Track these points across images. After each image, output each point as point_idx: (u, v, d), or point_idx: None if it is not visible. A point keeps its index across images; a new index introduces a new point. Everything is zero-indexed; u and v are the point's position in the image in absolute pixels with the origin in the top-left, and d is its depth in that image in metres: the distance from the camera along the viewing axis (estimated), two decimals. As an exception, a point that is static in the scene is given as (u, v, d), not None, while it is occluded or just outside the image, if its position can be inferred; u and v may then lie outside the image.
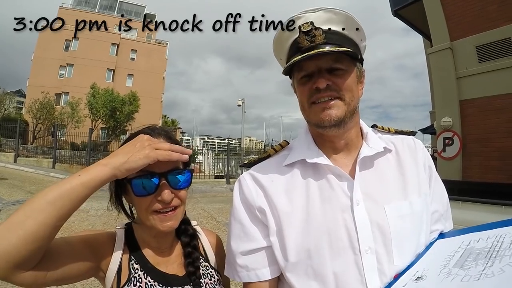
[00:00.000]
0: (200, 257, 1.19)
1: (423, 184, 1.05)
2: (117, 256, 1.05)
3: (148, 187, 0.98)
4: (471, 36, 9.01)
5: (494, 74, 8.53)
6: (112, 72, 38.64)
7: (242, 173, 1.19)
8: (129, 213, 1.13)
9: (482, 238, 0.90)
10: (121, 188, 1.09)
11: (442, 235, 1.04)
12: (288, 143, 1.19)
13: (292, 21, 0.99)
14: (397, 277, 0.90)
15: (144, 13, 43.61)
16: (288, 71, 1.07)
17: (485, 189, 6.13)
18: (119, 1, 42.55)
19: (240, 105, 31.38)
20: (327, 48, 0.95)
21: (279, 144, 1.19)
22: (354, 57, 1.00)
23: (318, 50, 0.94)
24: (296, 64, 0.98)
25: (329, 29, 0.97)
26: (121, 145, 1.02)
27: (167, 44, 44.92)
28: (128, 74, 39.84)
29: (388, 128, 1.22)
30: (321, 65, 0.97)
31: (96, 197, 1.03)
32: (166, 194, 1.00)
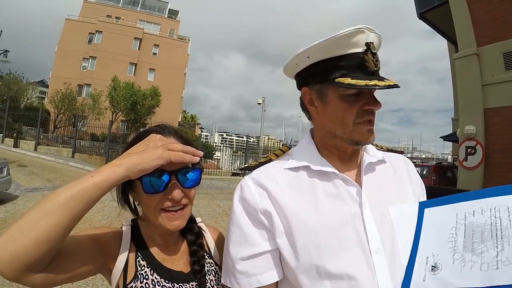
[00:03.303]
0: (205, 254, 1.19)
1: (417, 191, 1.12)
2: (124, 253, 1.04)
3: (158, 185, 0.97)
4: (498, 43, 8.77)
5: (521, 83, 8.25)
6: (134, 66, 38.92)
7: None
8: (135, 210, 1.14)
9: (476, 211, 0.88)
10: (128, 185, 1.05)
11: (425, 203, 1.03)
12: (289, 149, 1.18)
13: (357, 32, 0.93)
14: (408, 268, 0.90)
15: (167, 8, 44.28)
16: (317, 78, 1.01)
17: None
18: None
19: (260, 103, 31.41)
20: (382, 79, 0.95)
21: (280, 150, 1.18)
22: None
23: (389, 83, 0.92)
24: (340, 82, 0.94)
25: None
26: (130, 143, 1.03)
27: (189, 40, 45.01)
28: (149, 68, 40.04)
29: (381, 146, 1.27)
30: (372, 90, 0.99)
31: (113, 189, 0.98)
32: (176, 192, 0.99)
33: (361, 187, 1.01)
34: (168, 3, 44.63)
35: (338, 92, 0.98)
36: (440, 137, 17.78)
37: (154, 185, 0.96)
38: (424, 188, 1.18)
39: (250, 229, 1.00)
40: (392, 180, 1.10)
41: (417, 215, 1.00)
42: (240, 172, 22.38)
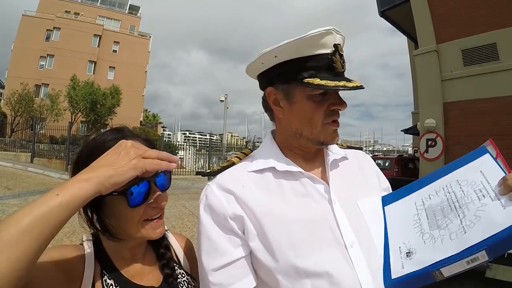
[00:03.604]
0: (175, 264, 1.11)
1: (383, 183, 1.20)
2: (88, 274, 0.93)
3: (141, 195, 0.89)
4: (457, 40, 9.25)
5: (478, 78, 8.80)
6: (93, 64, 37.54)
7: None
8: (101, 227, 0.97)
9: (431, 194, 0.99)
10: (95, 204, 0.91)
11: (384, 201, 1.10)
12: (252, 151, 1.18)
13: (326, 34, 0.94)
14: (385, 262, 0.94)
15: (128, 4, 43.04)
16: (284, 78, 1.01)
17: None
18: None
19: (223, 100, 31.32)
20: (353, 80, 0.98)
21: (242, 153, 1.18)
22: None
23: (356, 84, 0.96)
24: (309, 83, 0.96)
25: None
26: (86, 154, 0.92)
27: (150, 36, 44.03)
28: (110, 66, 38.82)
29: (342, 143, 1.28)
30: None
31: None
32: (161, 199, 0.95)
33: (328, 184, 1.02)
34: None
35: (306, 92, 0.98)
36: (401, 131, 18.37)
37: (138, 197, 0.88)
38: (389, 187, 1.23)
39: (219, 238, 0.96)
40: (357, 175, 1.13)
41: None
42: (205, 171, 22.19)
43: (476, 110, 8.78)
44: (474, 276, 5.00)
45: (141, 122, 39.24)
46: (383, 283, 0.91)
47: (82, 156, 0.94)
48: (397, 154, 22.87)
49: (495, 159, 0.95)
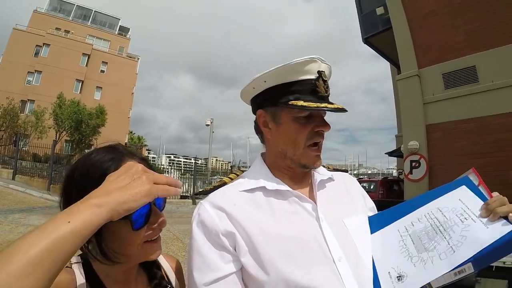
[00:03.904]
0: (167, 284, 1.08)
1: (367, 203, 1.26)
2: None
3: (143, 217, 0.85)
4: (438, 64, 9.61)
5: (459, 100, 9.08)
6: (80, 83, 37.13)
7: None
8: (98, 252, 0.87)
9: (413, 222, 1.05)
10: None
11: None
12: (242, 172, 1.23)
13: (310, 61, 1.03)
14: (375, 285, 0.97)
15: (119, 25, 43.05)
16: (271, 101, 1.08)
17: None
18: (94, 11, 41.46)
19: (209, 125, 31.27)
20: (332, 103, 1.06)
21: (234, 173, 1.24)
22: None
23: (338, 106, 1.05)
24: (293, 105, 1.03)
25: None
26: (79, 170, 0.88)
27: (138, 58, 44.06)
28: (97, 86, 38.47)
29: (328, 166, 1.36)
30: (321, 112, 1.07)
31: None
32: (162, 219, 0.92)
33: (315, 203, 1.07)
34: (119, 19, 43.38)
35: (291, 114, 1.05)
36: (385, 153, 18.64)
37: (140, 219, 0.85)
38: (374, 206, 1.29)
39: (211, 253, 0.98)
40: (343, 196, 1.18)
41: (368, 227, 1.12)
42: (189, 195, 21.96)
43: (458, 130, 9.03)
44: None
45: (126, 144, 38.24)
46: None
47: (76, 176, 0.88)
48: (382, 177, 23.11)
49: (476, 187, 1.02)
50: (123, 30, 44.17)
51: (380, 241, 1.07)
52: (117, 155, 0.92)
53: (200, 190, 1.18)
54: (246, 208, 1.03)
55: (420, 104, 9.88)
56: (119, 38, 42.94)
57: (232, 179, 1.19)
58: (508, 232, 0.83)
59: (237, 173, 1.23)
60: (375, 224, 1.13)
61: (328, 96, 1.08)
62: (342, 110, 1.05)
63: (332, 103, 1.05)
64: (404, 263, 0.95)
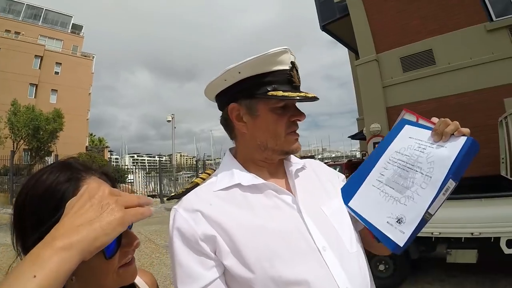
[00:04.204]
0: None
1: (339, 177, 1.29)
2: None
3: (115, 241, 0.73)
4: (396, 49, 9.95)
5: (417, 82, 9.48)
6: (34, 87, 34.40)
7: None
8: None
9: (381, 172, 1.11)
10: None
11: (345, 200, 1.16)
12: (214, 171, 1.18)
13: (284, 52, 1.02)
14: (385, 241, 1.00)
15: (71, 23, 40.60)
16: (246, 93, 1.05)
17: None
18: (45, 9, 38.40)
19: (170, 120, 30.78)
20: (308, 92, 1.07)
21: (205, 173, 1.19)
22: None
23: (313, 95, 1.05)
24: (273, 95, 1.02)
25: None
26: (29, 200, 0.74)
27: (93, 57, 41.89)
28: (52, 89, 36.01)
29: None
30: (294, 101, 1.08)
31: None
32: (133, 238, 0.81)
33: (293, 194, 1.06)
34: (72, 17, 40.56)
35: (268, 105, 1.04)
36: (349, 137, 19.00)
37: (112, 244, 0.71)
38: (344, 178, 1.31)
39: (191, 262, 0.94)
40: (315, 182, 1.17)
41: (344, 211, 1.12)
42: (156, 194, 21.52)
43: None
44: (437, 264, 5.39)
45: (86, 147, 37.20)
46: (395, 252, 0.98)
47: (28, 206, 0.74)
48: (346, 159, 23.58)
49: (417, 122, 1.13)
50: (76, 28, 41.55)
51: (363, 203, 1.10)
52: (74, 173, 0.79)
53: (172, 194, 1.09)
54: (224, 207, 1.00)
55: (380, 87, 10.16)
56: (72, 37, 40.40)
57: (204, 179, 1.13)
58: (465, 142, 0.96)
59: (209, 172, 1.18)
60: (349, 191, 1.17)
61: (300, 86, 1.08)
62: (317, 98, 1.06)
63: (306, 93, 1.05)
64: (396, 208, 1.00)
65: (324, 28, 13.15)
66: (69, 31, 40.10)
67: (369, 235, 1.07)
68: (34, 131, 24.06)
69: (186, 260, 0.94)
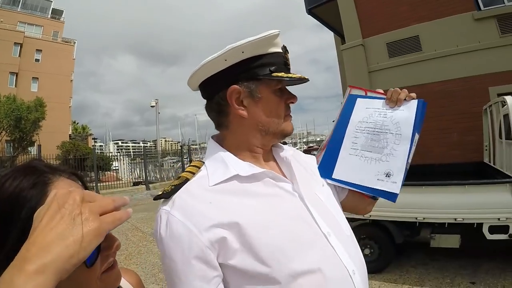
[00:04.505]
0: None
1: (317, 172, 1.25)
2: None
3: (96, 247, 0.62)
4: (382, 34, 9.97)
5: (403, 68, 9.55)
6: (15, 76, 32.74)
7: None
8: None
9: (353, 142, 1.23)
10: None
11: (327, 175, 1.23)
12: (203, 163, 1.05)
13: (278, 35, 1.00)
14: (383, 195, 1.15)
15: (51, 8, 38.84)
16: (249, 74, 1.00)
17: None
18: None
19: (154, 106, 30.58)
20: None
21: (193, 166, 1.05)
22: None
23: (307, 77, 1.06)
24: (279, 76, 0.99)
25: None
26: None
27: (75, 42, 40.50)
28: (33, 77, 34.34)
29: None
30: (285, 84, 1.07)
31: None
32: (113, 240, 0.73)
33: (291, 182, 1.04)
34: (51, 1, 38.77)
35: (270, 87, 1.01)
36: (333, 121, 19.09)
37: (95, 251, 0.61)
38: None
39: (191, 276, 0.85)
40: (301, 168, 1.14)
41: (332, 194, 1.17)
42: (141, 180, 21.49)
43: None
44: (420, 248, 5.51)
45: (70, 135, 36.32)
46: (393, 200, 1.13)
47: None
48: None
49: (366, 96, 1.28)
50: (56, 13, 39.68)
51: (347, 171, 1.20)
52: (39, 176, 0.71)
53: (159, 193, 0.94)
54: (226, 203, 0.91)
55: (366, 72, 10.23)
56: (53, 22, 38.62)
57: (193, 173, 1.00)
58: (417, 103, 1.17)
59: (197, 164, 1.05)
60: (326, 167, 1.24)
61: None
62: (308, 80, 1.08)
63: (300, 75, 1.05)
64: (380, 166, 1.15)
65: (310, 11, 12.99)
66: (49, 16, 38.48)
67: (358, 199, 1.25)
68: (16, 122, 23.41)
69: (187, 275, 0.85)
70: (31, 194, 0.67)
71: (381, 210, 4.75)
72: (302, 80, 1.04)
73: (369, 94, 1.28)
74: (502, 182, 4.31)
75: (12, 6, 35.64)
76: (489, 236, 4.19)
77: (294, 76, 1.00)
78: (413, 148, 1.15)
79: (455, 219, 4.36)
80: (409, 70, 9.41)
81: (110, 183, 20.48)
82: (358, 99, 1.28)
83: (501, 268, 4.74)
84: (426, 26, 9.17)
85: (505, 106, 4.82)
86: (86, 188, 0.81)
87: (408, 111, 1.17)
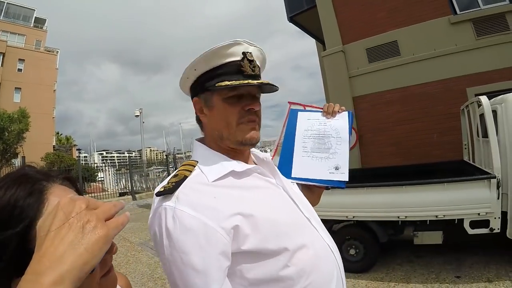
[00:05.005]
0: None
1: None
2: None
3: None
4: (362, 40, 10.13)
5: (382, 73, 9.72)
6: None
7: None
8: None
9: (303, 146, 1.46)
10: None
11: (288, 175, 1.41)
12: (197, 162, 1.12)
13: (235, 44, 1.06)
14: (336, 184, 1.39)
15: (34, 16, 37.85)
16: (202, 87, 1.10)
17: (384, 173, 7.00)
18: (6, 3, 35.52)
19: (138, 115, 30.29)
20: (267, 80, 1.10)
21: (188, 164, 1.11)
22: (267, 92, 1.19)
23: (268, 82, 1.09)
24: (221, 86, 1.04)
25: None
26: None
27: (57, 52, 39.59)
28: (15, 87, 33.40)
29: None
30: (252, 91, 1.10)
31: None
32: (114, 242, 0.68)
33: (273, 177, 1.19)
34: (34, 10, 37.92)
35: (221, 96, 1.07)
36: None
37: None
38: None
39: (211, 266, 0.88)
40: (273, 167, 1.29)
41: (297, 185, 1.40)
42: (127, 191, 21.32)
43: (383, 101, 9.69)
44: (405, 245, 5.61)
45: (54, 146, 35.48)
46: (343, 187, 1.38)
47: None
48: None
49: (305, 110, 1.55)
50: (39, 22, 38.85)
51: (303, 170, 1.42)
52: (34, 184, 0.69)
53: (161, 190, 0.98)
54: (231, 194, 1.00)
55: (346, 78, 10.35)
56: (35, 31, 37.76)
57: (190, 171, 1.06)
58: (348, 113, 1.48)
59: (193, 163, 1.11)
60: (284, 169, 1.41)
61: (257, 75, 1.09)
62: (270, 85, 1.09)
63: (259, 79, 1.08)
64: (329, 162, 1.40)
65: (291, 19, 13.07)
66: (32, 25, 37.65)
67: (309, 194, 1.42)
68: (-1, 133, 22.87)
69: (205, 266, 0.87)
70: (28, 203, 0.65)
71: (364, 211, 4.87)
72: (248, 84, 1.04)
73: (307, 108, 1.57)
74: (480, 178, 4.44)
75: (-5, 15, 34.61)
76: (471, 231, 4.31)
77: (234, 83, 1.03)
78: (349, 146, 1.42)
79: (436, 216, 4.48)
80: (389, 74, 9.59)
81: (96, 194, 20.02)
82: (299, 113, 1.54)
83: (485, 262, 4.87)
84: (404, 31, 9.39)
85: (480, 107, 4.97)
86: (78, 191, 0.82)
87: (342, 120, 1.46)
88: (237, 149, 1.14)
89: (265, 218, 0.98)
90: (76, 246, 0.50)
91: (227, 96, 1.07)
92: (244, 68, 1.06)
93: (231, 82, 1.03)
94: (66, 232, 0.51)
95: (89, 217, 0.54)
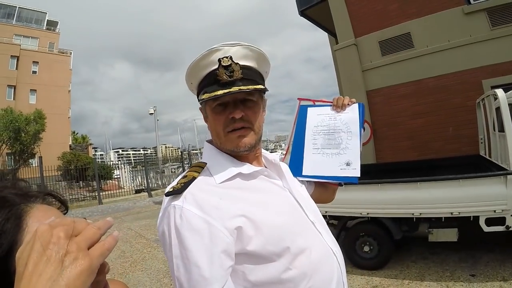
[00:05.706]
0: None
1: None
2: None
3: None
4: (374, 33, 9.98)
5: (396, 66, 9.57)
6: (13, 89, 32.85)
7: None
8: None
9: (313, 143, 1.45)
10: None
11: (299, 173, 1.42)
12: (206, 163, 1.14)
13: (211, 52, 1.04)
14: (349, 180, 1.35)
15: (46, 19, 38.81)
16: (198, 98, 1.16)
17: (398, 168, 6.92)
18: (18, 7, 36.56)
19: (152, 113, 30.55)
20: (243, 85, 1.05)
21: (197, 166, 1.13)
22: (264, 92, 1.17)
23: (240, 88, 1.03)
24: (203, 98, 1.06)
25: (245, 64, 1.08)
26: None
27: (71, 53, 40.45)
28: (31, 89, 34.39)
29: None
30: (236, 96, 1.07)
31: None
32: (106, 263, 0.63)
33: (280, 179, 1.20)
34: (46, 13, 38.80)
35: (210, 106, 1.10)
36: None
37: None
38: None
39: (213, 265, 0.90)
40: (287, 170, 1.33)
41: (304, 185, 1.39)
42: (143, 188, 21.62)
43: (397, 94, 9.55)
44: (419, 242, 5.55)
45: (70, 146, 36.37)
46: (356, 182, 1.34)
47: None
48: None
49: (314, 105, 1.52)
50: (51, 25, 39.77)
51: (314, 167, 1.41)
52: (11, 210, 0.64)
53: (170, 190, 1.00)
54: (235, 198, 1.01)
55: (359, 71, 10.22)
56: (48, 34, 38.66)
57: (199, 173, 1.08)
58: (359, 105, 1.43)
59: (201, 165, 1.13)
60: (295, 167, 1.42)
61: (237, 79, 1.05)
62: (248, 90, 1.05)
63: (239, 85, 1.04)
64: (340, 158, 1.37)
65: (302, 13, 12.93)
66: (44, 28, 38.52)
67: (323, 190, 1.49)
68: (16, 134, 23.35)
69: (208, 263, 0.89)
70: (5, 229, 0.61)
71: (378, 207, 4.80)
72: (224, 94, 1.02)
73: (317, 103, 1.54)
74: (496, 174, 4.34)
75: (7, 19, 35.72)
76: (486, 229, 4.22)
77: (210, 95, 1.02)
78: (361, 140, 1.39)
79: (451, 213, 4.40)
80: (402, 67, 9.43)
81: (112, 191, 20.51)
82: (309, 109, 1.52)
83: (500, 260, 4.78)
84: (417, 22, 9.20)
85: (496, 100, 4.86)
86: (64, 205, 0.77)
87: (352, 113, 1.42)
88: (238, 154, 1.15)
89: (268, 221, 1.00)
90: (56, 283, 0.44)
91: (213, 106, 1.09)
92: (219, 76, 1.04)
93: (209, 94, 1.03)
94: (43, 267, 0.45)
95: (69, 247, 0.47)
